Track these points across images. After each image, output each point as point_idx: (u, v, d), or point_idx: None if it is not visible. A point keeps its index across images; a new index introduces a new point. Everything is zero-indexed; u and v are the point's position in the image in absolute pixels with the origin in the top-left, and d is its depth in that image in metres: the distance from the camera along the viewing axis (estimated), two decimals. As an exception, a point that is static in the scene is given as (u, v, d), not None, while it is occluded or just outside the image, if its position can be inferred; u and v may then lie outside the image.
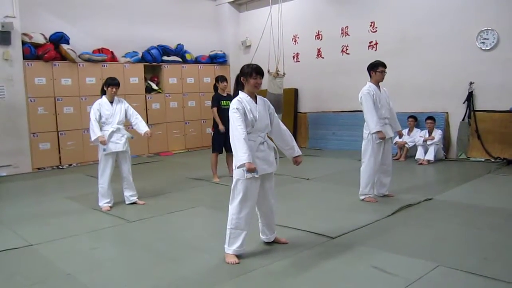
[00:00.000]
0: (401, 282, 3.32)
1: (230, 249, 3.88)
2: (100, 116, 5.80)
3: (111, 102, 5.89)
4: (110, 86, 5.84)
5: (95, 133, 5.69)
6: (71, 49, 9.45)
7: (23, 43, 8.93)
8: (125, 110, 5.97)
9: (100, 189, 5.88)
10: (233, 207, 3.87)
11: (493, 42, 8.12)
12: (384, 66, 5.76)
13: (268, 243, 4.26)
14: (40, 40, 9.19)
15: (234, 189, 3.86)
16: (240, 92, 3.97)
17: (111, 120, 5.83)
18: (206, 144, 11.84)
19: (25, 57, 8.95)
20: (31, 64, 9.06)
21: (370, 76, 5.79)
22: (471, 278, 3.37)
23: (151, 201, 6.21)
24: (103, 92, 5.95)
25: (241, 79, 3.98)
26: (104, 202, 5.86)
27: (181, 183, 7.39)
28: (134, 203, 6.05)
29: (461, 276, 3.41)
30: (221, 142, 7.33)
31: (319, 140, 10.89)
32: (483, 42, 8.24)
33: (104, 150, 5.77)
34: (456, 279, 3.38)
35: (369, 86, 5.71)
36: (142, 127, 6.00)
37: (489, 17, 8.14)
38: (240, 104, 3.83)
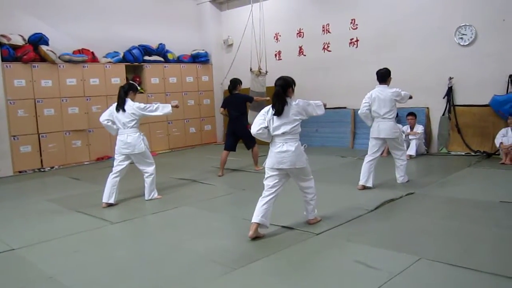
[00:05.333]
0: (384, 275, 3.36)
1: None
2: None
3: None
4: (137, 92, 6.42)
5: (166, 106, 6.27)
6: (51, 50, 9.32)
7: (1, 44, 8.78)
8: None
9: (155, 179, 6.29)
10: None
11: (471, 37, 8.24)
12: None
13: (249, 240, 4.30)
14: (19, 41, 9.04)
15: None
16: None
17: None
18: (189, 143, 11.83)
19: (3, 59, 8.79)
20: (10, 66, 8.91)
21: (386, 80, 6.29)
22: (453, 270, 3.43)
23: (135, 202, 6.18)
24: (126, 95, 6.12)
25: (290, 89, 4.49)
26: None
27: (164, 183, 7.34)
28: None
29: (443, 268, 3.46)
30: (232, 141, 7.71)
31: (302, 137, 10.53)
32: (461, 38, 8.36)
33: (148, 145, 6.33)
34: (438, 271, 3.44)
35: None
36: None
37: (466, 13, 8.27)
38: None
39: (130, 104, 6.06)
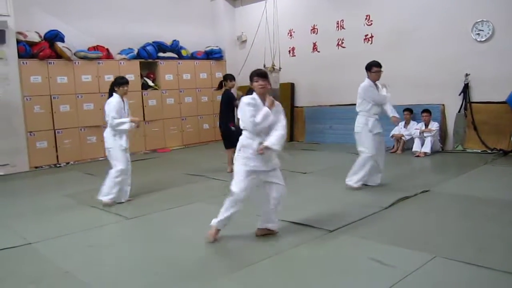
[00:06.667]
0: (399, 273, 3.34)
1: None
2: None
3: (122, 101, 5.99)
4: (122, 85, 5.92)
5: (123, 122, 5.83)
6: (66, 47, 9.42)
7: (18, 41, 8.89)
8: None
9: (119, 182, 5.83)
10: None
11: (488, 33, 8.12)
12: (379, 66, 5.98)
13: (260, 236, 4.31)
14: (35, 38, 9.16)
15: None
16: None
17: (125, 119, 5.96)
18: (203, 140, 11.86)
19: (20, 56, 8.91)
20: (26, 63, 9.02)
21: (367, 72, 6.03)
22: (467, 268, 3.39)
23: (149, 198, 6.23)
24: (112, 92, 5.95)
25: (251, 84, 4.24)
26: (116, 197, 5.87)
27: (178, 179, 7.39)
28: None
29: (458, 267, 3.43)
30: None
31: (316, 134, 10.90)
32: (478, 34, 8.24)
33: (122, 145, 5.90)
34: (452, 269, 3.41)
35: (369, 81, 5.96)
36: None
37: (484, 8, 8.13)
38: (253, 101, 4.10)
39: (110, 101, 5.91)
